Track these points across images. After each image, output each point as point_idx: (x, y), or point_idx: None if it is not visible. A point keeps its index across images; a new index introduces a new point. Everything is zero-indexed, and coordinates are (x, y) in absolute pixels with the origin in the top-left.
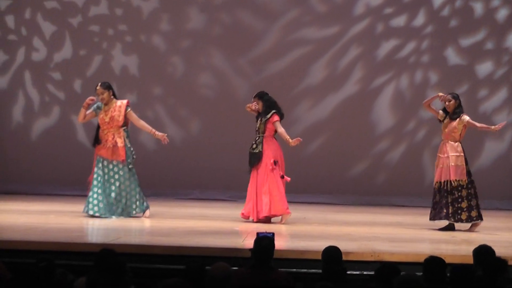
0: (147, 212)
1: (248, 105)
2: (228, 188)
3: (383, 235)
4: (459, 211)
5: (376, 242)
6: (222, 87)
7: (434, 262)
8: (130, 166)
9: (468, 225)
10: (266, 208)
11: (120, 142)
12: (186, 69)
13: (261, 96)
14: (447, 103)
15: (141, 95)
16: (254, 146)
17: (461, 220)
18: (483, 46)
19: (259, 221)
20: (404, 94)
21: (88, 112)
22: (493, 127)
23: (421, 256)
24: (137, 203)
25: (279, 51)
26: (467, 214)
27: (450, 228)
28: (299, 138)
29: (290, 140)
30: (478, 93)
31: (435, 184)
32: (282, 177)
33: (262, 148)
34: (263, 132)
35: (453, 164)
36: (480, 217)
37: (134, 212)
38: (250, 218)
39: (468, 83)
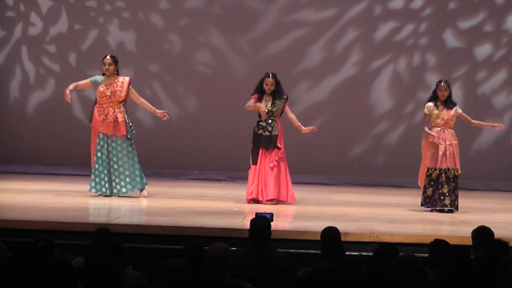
0: (145, 192)
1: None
2: (226, 168)
3: (382, 216)
4: (456, 200)
5: (375, 223)
6: (220, 66)
7: (439, 246)
8: (131, 142)
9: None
10: (283, 192)
11: (121, 117)
12: (183, 47)
13: (276, 76)
14: (443, 91)
15: (138, 71)
16: (270, 128)
17: (456, 208)
18: (482, 28)
19: (267, 202)
20: (402, 76)
21: (82, 82)
22: (492, 124)
23: (420, 237)
24: (137, 179)
25: (277, 32)
26: (457, 201)
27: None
28: (314, 128)
29: (303, 128)
30: (477, 76)
31: (433, 171)
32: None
33: (278, 131)
34: (276, 115)
35: (455, 152)
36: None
37: (136, 189)
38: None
39: (467, 65)
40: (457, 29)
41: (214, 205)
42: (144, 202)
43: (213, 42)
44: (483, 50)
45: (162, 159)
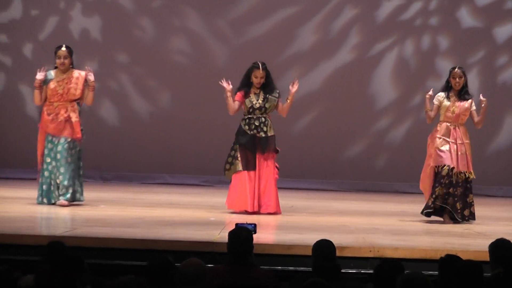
0: (65, 201)
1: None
2: (202, 171)
3: (384, 226)
4: (465, 208)
5: (375, 235)
6: (199, 54)
7: (451, 262)
8: (78, 148)
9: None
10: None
11: (74, 117)
12: (156, 32)
13: (266, 66)
14: (457, 79)
15: (104, 62)
16: (265, 128)
17: (464, 218)
18: (503, 5)
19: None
20: (409, 62)
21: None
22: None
23: (428, 251)
24: (81, 188)
25: (262, 11)
26: (469, 210)
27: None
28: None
29: (290, 96)
30: (497, 61)
31: (445, 171)
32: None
33: (273, 131)
34: (268, 111)
35: (468, 153)
36: (474, 217)
37: (81, 197)
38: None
39: (485, 48)
40: (473, 6)
41: (187, 214)
42: (105, 211)
43: (189, 26)
44: (504, 30)
45: (127, 161)
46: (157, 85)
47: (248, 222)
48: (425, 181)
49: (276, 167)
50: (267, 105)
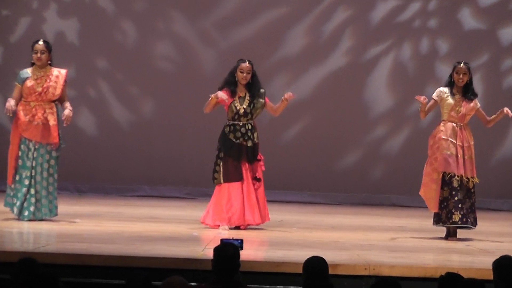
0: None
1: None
2: (185, 183)
3: (381, 242)
4: (473, 212)
5: (371, 252)
6: (184, 59)
7: (452, 280)
8: (56, 155)
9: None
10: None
11: (52, 120)
12: (139, 36)
13: (253, 66)
14: (461, 75)
15: (81, 68)
16: (252, 136)
17: (473, 223)
18: (508, 5)
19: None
20: (406, 67)
21: (16, 93)
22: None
23: (428, 269)
24: (54, 202)
25: (249, 13)
26: (473, 216)
27: (451, 235)
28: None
29: (283, 102)
30: (502, 65)
31: (456, 182)
32: (259, 180)
33: (258, 138)
34: (255, 117)
35: (473, 156)
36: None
37: (53, 214)
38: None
39: (489, 52)
40: (476, 6)
41: (168, 229)
42: (80, 226)
43: (175, 29)
44: (509, 32)
45: (105, 172)
46: (139, 93)
47: (234, 238)
48: (430, 186)
49: (257, 178)
50: (253, 111)
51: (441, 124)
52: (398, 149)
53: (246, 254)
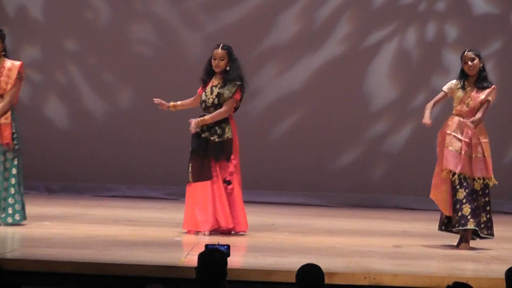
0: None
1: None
2: (167, 182)
3: (382, 249)
4: (489, 222)
5: (371, 259)
6: (165, 43)
7: None
8: (11, 156)
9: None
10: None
11: (4, 118)
12: (114, 16)
13: (230, 52)
14: (469, 63)
15: (48, 49)
16: (219, 130)
17: (492, 233)
18: None
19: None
20: (411, 55)
21: None
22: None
23: (434, 279)
24: (21, 206)
25: None
26: (490, 226)
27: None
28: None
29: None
30: None
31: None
32: (229, 183)
33: (231, 134)
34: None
35: (487, 154)
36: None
37: (16, 218)
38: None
39: (502, 39)
40: None
41: (148, 233)
42: (50, 229)
43: (155, 10)
44: None
45: (78, 169)
46: (114, 80)
47: (220, 243)
48: (441, 188)
49: (227, 180)
50: (221, 101)
51: (449, 118)
52: (401, 146)
53: (233, 261)
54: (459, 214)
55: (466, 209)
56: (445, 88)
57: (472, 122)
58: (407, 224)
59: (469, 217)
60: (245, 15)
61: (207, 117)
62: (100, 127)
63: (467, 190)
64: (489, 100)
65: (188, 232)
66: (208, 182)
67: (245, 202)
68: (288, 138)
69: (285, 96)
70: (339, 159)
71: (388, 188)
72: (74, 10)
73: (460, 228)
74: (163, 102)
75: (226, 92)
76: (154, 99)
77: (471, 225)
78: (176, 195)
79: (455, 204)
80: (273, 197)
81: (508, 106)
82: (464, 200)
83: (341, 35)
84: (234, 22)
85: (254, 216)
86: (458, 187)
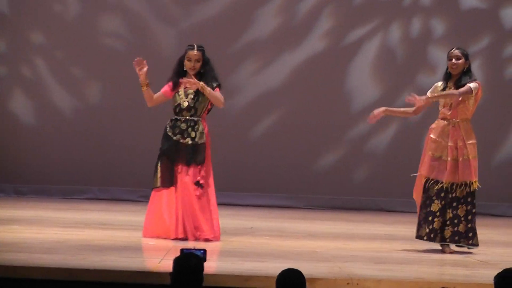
0: None
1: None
2: (140, 184)
3: (366, 253)
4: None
5: (355, 264)
6: (137, 37)
7: None
8: None
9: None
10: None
11: None
12: (82, 8)
13: (204, 52)
14: (454, 60)
15: (13, 43)
16: (192, 133)
17: (470, 243)
18: None
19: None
20: (395, 52)
21: None
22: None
23: (420, 284)
24: None
25: None
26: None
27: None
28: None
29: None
30: (505, 50)
31: (433, 183)
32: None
33: (205, 138)
34: (200, 113)
35: (471, 157)
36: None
37: None
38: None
39: (491, 35)
40: None
41: (121, 237)
42: (19, 233)
43: (126, 2)
44: None
45: (47, 170)
46: (84, 74)
47: (196, 248)
48: (419, 189)
49: (199, 183)
50: (197, 105)
51: (435, 122)
52: (385, 146)
53: (210, 266)
54: (430, 227)
55: (437, 223)
56: (429, 93)
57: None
58: (392, 227)
59: (438, 231)
60: (221, 9)
61: (208, 89)
62: (69, 124)
63: (443, 202)
64: (469, 86)
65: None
66: (173, 188)
67: (222, 204)
68: (267, 138)
69: (264, 94)
70: (320, 160)
71: (371, 189)
72: (41, 1)
73: (429, 241)
74: (144, 66)
75: (206, 98)
76: (137, 58)
77: (437, 241)
78: (149, 197)
79: (428, 215)
80: (252, 199)
81: (496, 106)
82: (438, 214)
83: (321, 31)
84: (210, 16)
85: (232, 219)
86: (434, 197)
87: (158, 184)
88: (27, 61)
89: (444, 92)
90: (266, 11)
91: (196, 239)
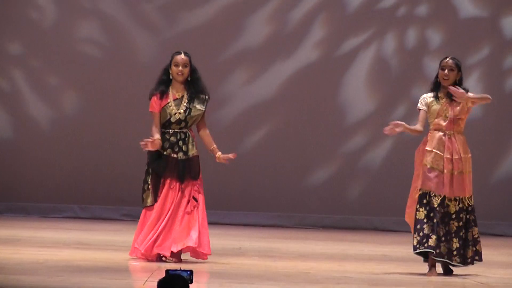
0: None
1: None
2: (122, 202)
3: (359, 275)
4: (466, 246)
5: (348, 286)
6: (116, 45)
7: None
8: None
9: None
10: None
11: None
12: (59, 15)
13: (191, 59)
14: (446, 71)
15: None
16: (184, 147)
17: (466, 261)
18: None
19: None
20: (390, 63)
21: None
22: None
23: None
24: None
25: None
26: (473, 249)
27: (447, 272)
28: (234, 154)
29: (219, 153)
30: (505, 61)
31: (433, 197)
32: (195, 199)
33: (195, 150)
34: (190, 125)
35: (466, 172)
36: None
37: None
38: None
39: (490, 45)
40: None
41: (102, 257)
42: None
43: (105, 9)
44: None
45: (24, 187)
46: (61, 84)
47: (182, 269)
48: (413, 209)
49: (195, 198)
50: (188, 119)
51: (428, 133)
52: (380, 162)
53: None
54: (420, 234)
55: (428, 228)
56: (421, 106)
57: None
58: (387, 248)
59: (430, 234)
60: (209, 17)
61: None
62: (46, 138)
63: (437, 210)
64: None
65: (140, 257)
66: (164, 207)
67: (209, 223)
68: (256, 153)
69: (253, 106)
70: (312, 176)
71: (365, 208)
72: (17, 9)
73: (422, 250)
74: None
75: (198, 109)
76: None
77: (431, 243)
78: (133, 216)
79: (416, 223)
80: (240, 217)
81: (496, 119)
82: (425, 220)
83: (314, 41)
84: (197, 25)
85: (219, 239)
86: (418, 205)
87: (150, 202)
88: (2, 71)
89: (480, 95)
90: (257, 19)
91: (183, 250)
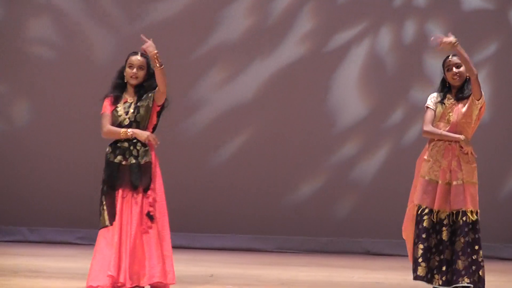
0: None
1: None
2: (78, 224)
3: None
4: (473, 266)
5: None
6: (71, 44)
7: None
8: None
9: None
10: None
11: None
12: (6, 11)
13: (149, 62)
14: (454, 69)
15: None
16: (135, 152)
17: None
18: None
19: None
20: (385, 61)
21: None
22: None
23: None
24: None
25: None
26: (477, 274)
27: None
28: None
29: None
30: None
31: (428, 214)
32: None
33: (150, 157)
34: (144, 127)
35: (467, 181)
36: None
37: None
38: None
39: (498, 39)
40: None
41: (55, 286)
42: None
43: (57, 3)
44: None
45: None
46: (8, 90)
47: None
48: (410, 225)
49: (150, 215)
50: (138, 118)
51: (428, 141)
52: (373, 174)
53: None
54: (428, 264)
55: (417, 251)
56: (430, 104)
57: (465, 141)
58: (380, 274)
59: (419, 260)
60: (178, 9)
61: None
62: None
63: (430, 231)
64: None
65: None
66: (117, 223)
67: (176, 247)
68: (230, 165)
69: (229, 111)
70: (295, 192)
71: (356, 228)
72: None
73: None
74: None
75: (145, 104)
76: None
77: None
78: (89, 239)
79: (426, 250)
80: (211, 240)
81: (506, 124)
82: (434, 250)
83: (299, 35)
84: (164, 18)
85: (188, 265)
86: (431, 230)
87: (106, 223)
88: None
89: (468, 57)
90: (234, 10)
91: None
